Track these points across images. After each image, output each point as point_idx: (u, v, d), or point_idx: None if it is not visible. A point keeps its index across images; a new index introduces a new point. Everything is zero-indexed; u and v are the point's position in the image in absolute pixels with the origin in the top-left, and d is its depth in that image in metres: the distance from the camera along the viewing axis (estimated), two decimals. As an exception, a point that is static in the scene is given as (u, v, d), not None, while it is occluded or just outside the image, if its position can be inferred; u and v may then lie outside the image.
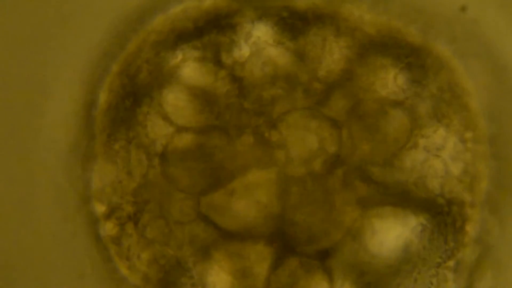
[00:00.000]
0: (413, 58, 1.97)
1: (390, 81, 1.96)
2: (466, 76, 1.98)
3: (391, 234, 1.92)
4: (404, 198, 1.95)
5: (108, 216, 2.01)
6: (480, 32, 1.97)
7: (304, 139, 1.97)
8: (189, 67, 1.99)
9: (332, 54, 1.97)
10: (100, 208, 2.01)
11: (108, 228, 2.01)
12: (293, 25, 2.00)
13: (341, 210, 1.95)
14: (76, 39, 2.02)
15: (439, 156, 1.95)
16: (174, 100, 1.97)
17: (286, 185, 1.97)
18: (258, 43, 1.98)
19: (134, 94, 2.02)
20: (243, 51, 1.98)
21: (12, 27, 2.01)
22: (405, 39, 1.99)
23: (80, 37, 2.02)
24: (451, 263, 1.95)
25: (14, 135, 2.02)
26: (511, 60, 1.98)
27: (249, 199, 1.96)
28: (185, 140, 1.98)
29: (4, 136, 2.02)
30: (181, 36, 2.02)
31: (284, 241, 1.96)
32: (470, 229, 1.96)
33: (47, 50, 2.01)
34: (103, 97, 2.02)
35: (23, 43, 2.01)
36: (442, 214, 1.94)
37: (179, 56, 2.00)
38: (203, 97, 1.98)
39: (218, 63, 1.99)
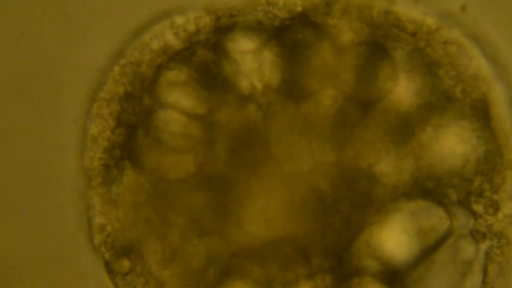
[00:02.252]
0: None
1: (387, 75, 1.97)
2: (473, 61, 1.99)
3: (406, 230, 1.93)
4: (418, 192, 1.95)
5: (117, 255, 2.00)
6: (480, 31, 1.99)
7: (302, 150, 1.97)
8: (176, 91, 1.97)
9: (319, 55, 1.97)
10: (105, 251, 2.01)
11: (118, 268, 2.00)
12: (276, 33, 1.99)
13: (357, 216, 1.95)
14: (66, 76, 2.02)
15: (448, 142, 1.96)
16: (165, 126, 1.96)
17: (295, 199, 1.97)
18: (242, 55, 1.97)
19: (126, 125, 2.01)
20: (228, 65, 1.97)
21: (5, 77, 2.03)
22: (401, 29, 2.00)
23: (68, 76, 2.02)
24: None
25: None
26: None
27: (260, 220, 1.96)
28: (184, 166, 1.97)
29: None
30: (163, 62, 2.00)
31: (303, 256, 1.96)
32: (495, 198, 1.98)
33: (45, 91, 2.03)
34: (92, 130, 2.02)
35: (19, 91, 2.03)
36: (455, 199, 1.96)
37: (164, 81, 1.98)
38: (193, 119, 1.96)
39: (203, 81, 1.97)
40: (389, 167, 1.95)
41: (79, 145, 2.02)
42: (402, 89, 1.95)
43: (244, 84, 1.97)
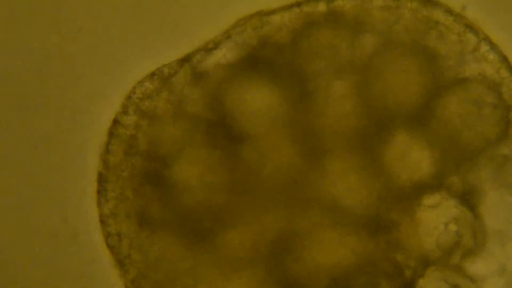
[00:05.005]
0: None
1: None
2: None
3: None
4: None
5: None
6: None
7: (327, 173, 1.96)
8: (179, 147, 1.96)
9: (305, 71, 1.96)
10: None
11: None
12: (251, 61, 1.98)
13: (399, 220, 1.96)
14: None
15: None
16: (181, 184, 1.94)
17: (338, 223, 1.96)
18: (238, 96, 1.95)
19: (141, 195, 1.98)
20: (219, 109, 1.96)
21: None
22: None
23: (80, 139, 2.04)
24: None
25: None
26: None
27: (310, 249, 1.95)
28: (214, 216, 1.95)
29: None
30: (155, 127, 1.98)
31: (366, 274, 1.96)
32: None
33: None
34: (107, 210, 2.01)
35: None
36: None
37: (164, 142, 1.96)
38: (208, 169, 1.95)
39: (204, 132, 1.96)
40: (413, 161, 1.94)
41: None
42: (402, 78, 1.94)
43: (244, 121, 1.95)
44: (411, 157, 1.93)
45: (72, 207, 2.02)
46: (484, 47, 1.95)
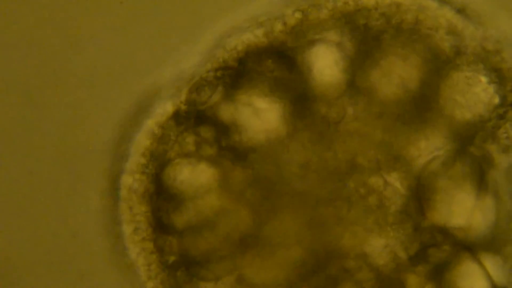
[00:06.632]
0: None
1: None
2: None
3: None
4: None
5: None
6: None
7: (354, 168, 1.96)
8: (185, 172, 1.95)
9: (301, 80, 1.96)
10: None
11: None
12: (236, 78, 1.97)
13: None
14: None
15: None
16: (195, 213, 1.94)
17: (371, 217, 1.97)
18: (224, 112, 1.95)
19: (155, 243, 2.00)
20: (219, 130, 1.95)
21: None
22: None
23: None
24: None
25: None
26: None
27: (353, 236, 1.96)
28: (234, 231, 1.94)
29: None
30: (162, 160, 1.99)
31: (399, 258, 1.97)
32: None
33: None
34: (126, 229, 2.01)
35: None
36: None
37: (169, 171, 1.96)
38: (218, 190, 1.94)
39: (206, 154, 1.96)
40: (423, 146, 1.95)
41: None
42: (401, 71, 1.95)
43: (248, 136, 1.94)
44: (421, 145, 1.94)
45: (73, 207, 2.03)
46: (481, 31, 1.96)
